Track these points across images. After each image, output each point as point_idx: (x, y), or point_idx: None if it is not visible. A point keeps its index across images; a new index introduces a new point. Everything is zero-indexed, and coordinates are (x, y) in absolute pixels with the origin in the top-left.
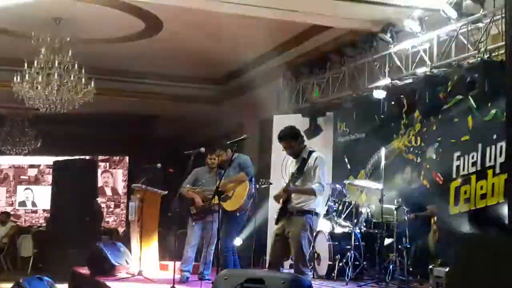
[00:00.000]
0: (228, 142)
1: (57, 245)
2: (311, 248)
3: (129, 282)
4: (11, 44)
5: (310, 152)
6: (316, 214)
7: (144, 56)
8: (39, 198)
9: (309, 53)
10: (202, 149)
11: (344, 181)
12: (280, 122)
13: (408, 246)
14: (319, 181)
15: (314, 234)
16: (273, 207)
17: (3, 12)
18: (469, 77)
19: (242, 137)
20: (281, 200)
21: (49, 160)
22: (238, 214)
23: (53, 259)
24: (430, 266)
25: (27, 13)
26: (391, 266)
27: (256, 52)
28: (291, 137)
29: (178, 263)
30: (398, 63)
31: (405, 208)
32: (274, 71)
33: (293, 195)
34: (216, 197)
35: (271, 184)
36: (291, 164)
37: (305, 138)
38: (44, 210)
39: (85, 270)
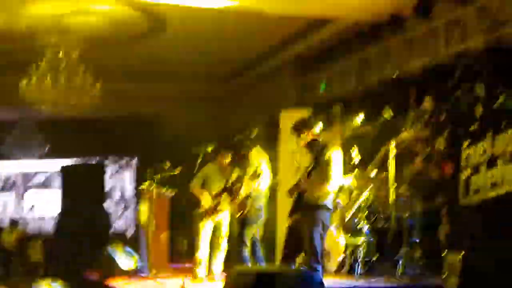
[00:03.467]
0: (237, 139)
1: (67, 250)
2: (323, 245)
3: (139, 285)
4: (17, 48)
5: (325, 146)
6: (329, 209)
7: (149, 56)
8: (47, 204)
9: (315, 46)
10: (210, 147)
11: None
12: (287, 117)
13: (418, 240)
14: (333, 176)
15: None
16: (282, 203)
17: (6, 15)
18: (478, 65)
19: (252, 133)
20: (294, 195)
21: (57, 165)
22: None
23: (63, 264)
24: (444, 253)
25: (31, 15)
26: (402, 260)
27: (261, 48)
28: (305, 127)
29: (188, 265)
30: (406, 53)
31: (415, 200)
32: (280, 67)
33: (306, 189)
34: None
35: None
36: (305, 158)
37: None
38: (52, 216)
39: (95, 275)
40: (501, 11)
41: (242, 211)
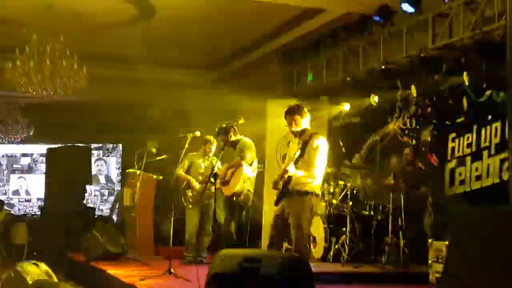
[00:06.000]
0: (224, 125)
1: (51, 232)
2: (310, 229)
3: (125, 267)
4: (2, 31)
5: (312, 134)
6: (316, 195)
7: (137, 42)
8: (32, 187)
9: (303, 37)
10: (198, 132)
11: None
12: (274, 106)
13: (403, 228)
14: (320, 163)
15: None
16: (268, 191)
17: None
18: (464, 58)
19: (237, 119)
20: (280, 183)
21: (42, 148)
22: (234, 199)
23: (48, 247)
24: (430, 240)
25: (19, 0)
26: (386, 248)
27: (250, 37)
28: (297, 113)
29: (173, 248)
30: (393, 45)
31: (400, 190)
32: (268, 56)
33: (293, 176)
34: (213, 179)
35: (262, 169)
36: (291, 146)
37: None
38: (38, 199)
39: (80, 257)
40: (488, 6)
41: (238, 196)
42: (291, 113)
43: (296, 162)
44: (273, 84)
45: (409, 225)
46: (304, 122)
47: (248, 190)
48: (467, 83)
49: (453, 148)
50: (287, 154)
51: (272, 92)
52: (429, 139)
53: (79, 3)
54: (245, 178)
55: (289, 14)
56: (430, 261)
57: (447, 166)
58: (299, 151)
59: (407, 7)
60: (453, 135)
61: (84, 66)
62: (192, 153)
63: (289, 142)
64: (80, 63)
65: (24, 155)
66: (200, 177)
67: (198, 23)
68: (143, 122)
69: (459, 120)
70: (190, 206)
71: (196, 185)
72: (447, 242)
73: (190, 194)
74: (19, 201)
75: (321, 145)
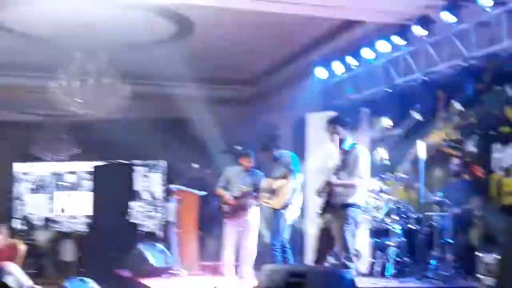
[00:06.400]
0: (265, 140)
1: (98, 249)
2: (355, 242)
3: (170, 283)
4: (46, 51)
5: (353, 145)
6: (359, 207)
7: (176, 59)
8: (78, 204)
9: (342, 48)
10: (239, 148)
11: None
12: (313, 120)
13: (450, 241)
14: (361, 175)
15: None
16: (310, 203)
17: (37, 19)
18: (507, 67)
19: (277, 133)
20: (323, 195)
21: (87, 166)
22: (283, 211)
23: (95, 263)
24: (478, 253)
25: (61, 19)
26: (433, 262)
27: (287, 51)
28: (338, 123)
29: (218, 264)
30: (434, 55)
31: (446, 203)
32: (306, 69)
33: (336, 188)
34: (256, 194)
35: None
36: (332, 157)
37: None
38: (84, 216)
39: (126, 273)
40: None
41: (286, 209)
42: (332, 123)
43: (337, 173)
44: (311, 97)
45: (456, 238)
46: (345, 132)
47: (295, 203)
48: (511, 92)
49: (498, 159)
50: (328, 165)
51: (311, 105)
52: (474, 150)
53: (119, 21)
54: (293, 190)
55: (328, 25)
56: (479, 275)
57: (493, 177)
58: (341, 162)
59: (447, 16)
60: (498, 145)
61: (126, 84)
62: (231, 167)
63: (328, 153)
64: (124, 80)
65: (70, 172)
66: (236, 192)
67: (236, 38)
68: (186, 138)
69: (503, 130)
70: (228, 222)
71: (231, 200)
72: (496, 256)
73: (226, 210)
74: (66, 218)
75: (363, 156)
